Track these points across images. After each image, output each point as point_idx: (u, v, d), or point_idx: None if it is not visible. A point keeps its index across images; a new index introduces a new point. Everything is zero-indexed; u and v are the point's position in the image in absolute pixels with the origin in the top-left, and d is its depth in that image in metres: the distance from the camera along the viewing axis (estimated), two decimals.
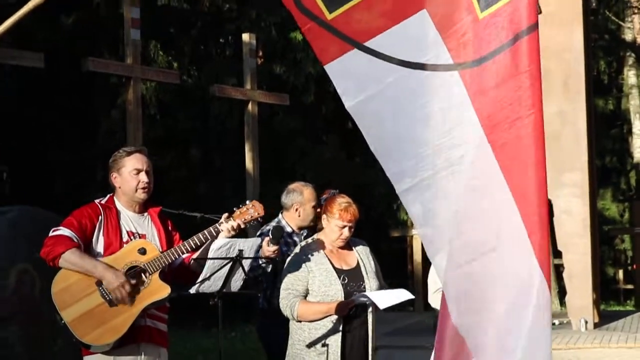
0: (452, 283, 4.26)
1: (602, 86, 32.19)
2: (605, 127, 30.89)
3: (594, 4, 26.35)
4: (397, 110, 4.11)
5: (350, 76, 4.10)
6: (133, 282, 5.31)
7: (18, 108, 21.14)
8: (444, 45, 3.98)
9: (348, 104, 4.12)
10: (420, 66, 4.01)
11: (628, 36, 31.00)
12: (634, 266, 26.01)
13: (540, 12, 16.64)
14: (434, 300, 6.79)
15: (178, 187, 19.47)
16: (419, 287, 14.56)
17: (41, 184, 19.90)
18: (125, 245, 5.49)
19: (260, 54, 19.97)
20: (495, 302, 4.14)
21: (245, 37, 17.83)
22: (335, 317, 6.20)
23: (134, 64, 14.82)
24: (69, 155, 20.21)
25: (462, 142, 4.05)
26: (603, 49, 31.30)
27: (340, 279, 6.28)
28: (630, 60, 31.48)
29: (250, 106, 17.21)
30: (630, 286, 27.41)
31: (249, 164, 17.05)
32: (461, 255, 4.17)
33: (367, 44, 4.00)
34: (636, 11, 29.79)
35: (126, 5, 15.28)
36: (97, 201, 5.64)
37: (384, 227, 21.19)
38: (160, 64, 23.37)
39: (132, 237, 5.56)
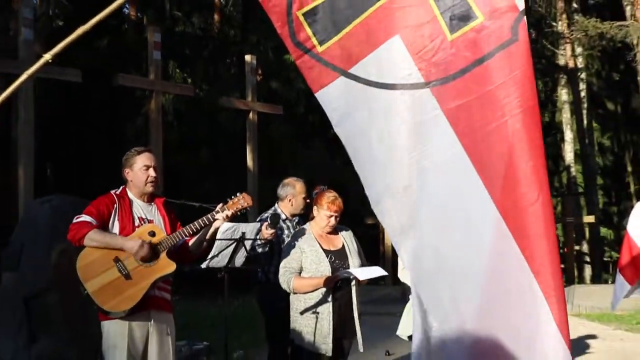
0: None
1: (539, 102, 32.28)
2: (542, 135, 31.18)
3: (533, 35, 26.41)
4: (375, 130, 3.99)
5: (337, 102, 3.98)
6: (148, 251, 5.36)
7: (60, 115, 21.14)
8: (415, 66, 3.85)
9: (337, 129, 4.05)
10: (392, 86, 3.88)
11: (561, 61, 31.06)
12: (565, 249, 26.23)
13: None
14: (403, 276, 6.98)
15: (190, 182, 19.55)
16: (389, 265, 14.58)
17: (78, 178, 19.92)
18: (137, 228, 5.53)
19: (260, 72, 20.03)
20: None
21: (247, 58, 17.94)
22: (325, 289, 6.29)
23: (156, 80, 14.94)
24: (101, 154, 20.24)
25: (436, 151, 3.92)
26: (540, 71, 31.36)
27: (328, 258, 6.37)
28: (563, 81, 31.67)
29: (251, 115, 17.34)
30: (562, 266, 27.60)
31: (249, 163, 17.19)
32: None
33: (351, 70, 3.89)
34: (567, 41, 29.90)
35: (149, 31, 15.48)
36: (112, 192, 5.66)
37: (360, 216, 21.25)
38: (177, 79, 23.47)
39: (142, 222, 5.58)
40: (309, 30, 3.90)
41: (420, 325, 4.20)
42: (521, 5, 3.78)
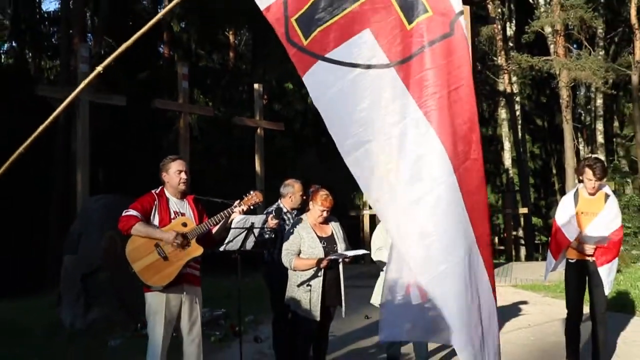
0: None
1: (484, 119, 32.58)
2: (487, 145, 31.18)
3: (479, 67, 26.47)
4: (351, 99, 3.97)
5: (317, 81, 3.98)
6: (181, 238, 5.42)
7: (109, 131, 21.20)
8: (382, 51, 3.90)
9: (316, 103, 4.05)
10: (366, 67, 3.92)
11: (501, 87, 31.13)
12: (505, 234, 26.34)
13: None
14: (376, 256, 6.97)
15: (212, 183, 19.53)
16: (367, 248, 14.68)
17: (123, 181, 19.90)
18: (172, 220, 5.57)
19: (265, 97, 20.02)
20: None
21: (256, 86, 17.91)
22: (317, 267, 6.30)
23: (184, 103, 14.96)
24: (141, 161, 20.26)
25: (402, 117, 3.92)
26: (484, 95, 31.50)
27: (321, 242, 6.39)
28: (502, 103, 31.77)
29: (258, 131, 17.32)
30: (502, 247, 27.67)
31: (257, 168, 17.19)
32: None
33: (327, 55, 3.91)
34: (505, 72, 29.96)
35: (179, 66, 15.57)
36: (153, 191, 5.68)
37: (344, 208, 21.34)
38: (200, 103, 23.55)
39: (177, 215, 5.62)
40: (299, 31, 3.93)
41: (389, 288, 4.17)
42: (457, 8, 3.88)
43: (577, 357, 6.95)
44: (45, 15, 29.55)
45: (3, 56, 29.80)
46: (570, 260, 6.85)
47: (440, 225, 3.91)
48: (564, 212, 6.80)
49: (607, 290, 6.82)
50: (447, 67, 3.88)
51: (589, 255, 6.69)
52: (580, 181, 6.84)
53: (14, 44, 28.76)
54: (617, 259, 6.86)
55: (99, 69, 3.67)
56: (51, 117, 3.52)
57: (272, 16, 3.98)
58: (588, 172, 6.63)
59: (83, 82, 3.66)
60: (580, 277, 6.81)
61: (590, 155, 24.36)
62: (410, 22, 3.91)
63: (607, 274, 6.66)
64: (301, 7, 3.93)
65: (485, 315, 4.10)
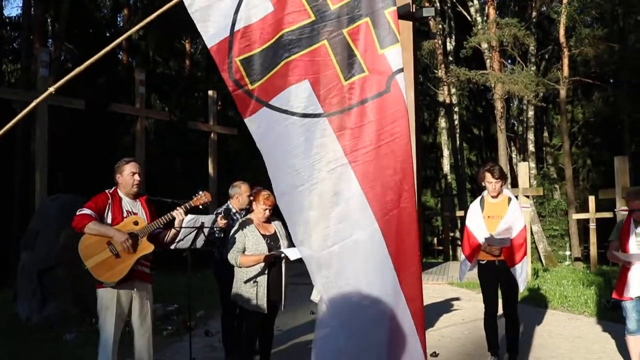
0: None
1: (425, 128, 32.94)
2: (427, 152, 31.52)
3: (421, 79, 26.77)
4: (286, 145, 3.98)
5: (259, 125, 3.98)
6: (131, 241, 5.40)
7: (68, 134, 20.91)
8: (318, 101, 3.92)
9: (258, 144, 4.04)
10: (302, 115, 3.93)
11: (440, 98, 31.59)
12: (443, 235, 26.61)
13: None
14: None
15: (166, 184, 19.38)
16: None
17: (81, 181, 19.64)
18: (125, 219, 5.57)
19: (219, 103, 19.96)
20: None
21: (210, 92, 17.81)
22: (262, 264, 6.33)
23: (141, 108, 14.83)
24: (98, 163, 20.05)
25: (330, 166, 3.95)
26: (426, 106, 31.90)
27: (265, 240, 6.41)
28: (442, 113, 32.24)
29: (212, 135, 17.25)
30: (440, 247, 27.96)
31: (210, 170, 17.10)
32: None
33: (271, 102, 3.91)
34: (445, 84, 30.36)
35: (137, 72, 15.44)
36: (107, 191, 5.67)
37: None
38: (157, 107, 23.36)
39: (129, 214, 5.62)
40: (243, 72, 3.91)
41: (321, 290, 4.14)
42: (395, 67, 3.90)
43: (496, 348, 7.08)
44: (7, 20, 28.98)
45: None
46: (481, 262, 6.98)
47: (359, 272, 3.98)
48: (473, 218, 6.99)
49: (522, 287, 7.02)
50: (380, 123, 3.91)
51: (497, 257, 6.84)
52: (484, 188, 7.01)
53: None
54: (526, 257, 7.06)
55: (51, 90, 3.61)
56: (7, 126, 3.47)
57: (216, 53, 3.95)
58: (488, 176, 6.87)
59: (39, 97, 3.60)
60: (492, 277, 6.95)
61: (491, 162, 24.87)
62: (346, 79, 3.94)
63: (520, 273, 6.84)
64: (247, 51, 3.92)
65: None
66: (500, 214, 6.87)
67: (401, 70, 3.96)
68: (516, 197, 8.28)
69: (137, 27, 4.23)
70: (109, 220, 5.56)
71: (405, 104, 3.95)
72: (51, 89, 3.69)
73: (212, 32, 3.95)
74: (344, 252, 4.00)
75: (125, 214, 5.62)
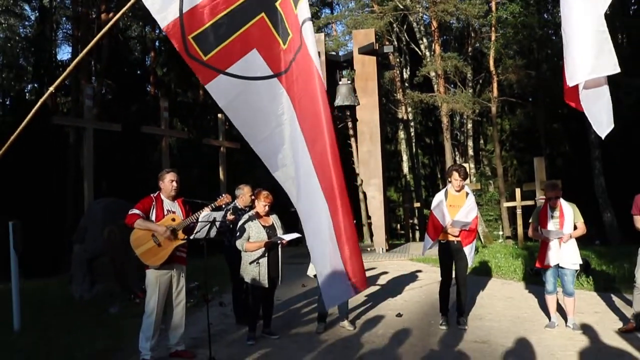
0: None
1: (388, 139, 32.84)
2: (390, 158, 31.51)
3: (384, 101, 26.76)
4: (249, 105, 3.91)
5: (220, 91, 3.87)
6: (170, 232, 5.55)
7: (109, 151, 20.77)
8: (267, 66, 3.87)
9: (225, 111, 3.99)
10: (255, 78, 3.88)
11: (400, 115, 31.55)
12: (404, 222, 26.56)
13: (359, 104, 17.07)
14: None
15: (186, 190, 19.28)
16: (304, 235, 14.65)
17: (121, 188, 19.49)
18: (165, 216, 5.67)
19: (227, 123, 19.84)
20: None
21: (220, 116, 17.60)
22: (263, 249, 6.35)
23: (165, 129, 14.72)
24: (134, 173, 19.96)
25: (283, 112, 3.93)
26: (388, 121, 31.80)
27: (265, 230, 6.43)
28: (401, 127, 32.19)
29: (222, 149, 17.15)
30: (402, 232, 27.90)
31: (221, 177, 17.01)
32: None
33: (227, 70, 3.83)
34: (403, 104, 30.40)
35: (162, 100, 15.27)
36: (152, 195, 5.80)
37: (286, 206, 21.30)
38: (178, 128, 23.20)
39: (169, 213, 5.72)
40: (196, 47, 3.80)
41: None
42: (302, 18, 3.83)
43: (447, 310, 7.10)
44: (60, 62, 28.85)
45: (27, 94, 28.99)
46: (441, 242, 6.98)
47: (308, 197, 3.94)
48: (438, 205, 6.96)
49: (470, 263, 7.04)
50: (304, 74, 3.86)
51: (454, 237, 6.84)
52: (449, 182, 7.01)
53: (35, 85, 28.03)
54: (475, 240, 7.06)
55: (51, 89, 3.60)
56: (29, 116, 3.39)
57: (170, 33, 3.84)
58: (455, 174, 6.87)
59: (40, 100, 3.56)
60: (449, 254, 6.94)
61: (455, 163, 24.90)
62: (284, 43, 3.92)
63: (470, 252, 6.88)
64: (198, 28, 3.81)
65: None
66: (460, 204, 6.87)
67: (308, 18, 3.88)
68: None
69: (121, 12, 4.10)
70: (153, 217, 5.66)
71: (308, 49, 3.86)
72: (51, 89, 3.66)
73: (164, 15, 3.82)
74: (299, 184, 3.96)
75: (166, 213, 5.72)
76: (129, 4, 3.92)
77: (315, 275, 7.00)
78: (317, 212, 3.84)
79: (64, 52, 50.07)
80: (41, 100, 3.51)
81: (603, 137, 4.11)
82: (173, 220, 5.66)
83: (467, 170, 7.43)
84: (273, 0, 3.91)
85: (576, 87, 4.14)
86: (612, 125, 4.06)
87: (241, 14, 3.87)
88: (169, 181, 5.81)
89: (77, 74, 22.89)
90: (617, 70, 3.89)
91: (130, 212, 5.58)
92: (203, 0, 3.82)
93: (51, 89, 3.58)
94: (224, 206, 5.79)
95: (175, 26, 3.82)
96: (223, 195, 5.88)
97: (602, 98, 4.10)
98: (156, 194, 5.83)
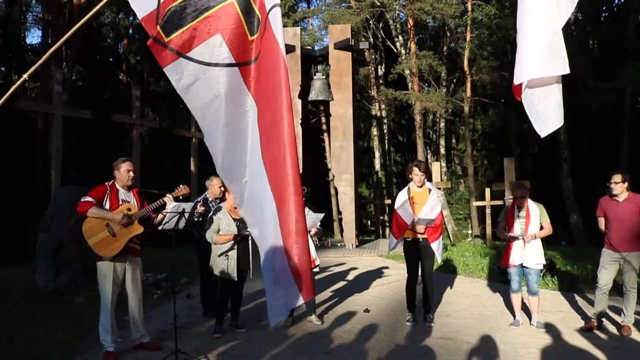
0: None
1: (361, 135, 32.89)
2: (362, 154, 31.56)
3: (359, 97, 26.87)
4: (205, 91, 3.75)
5: (178, 74, 3.71)
6: (126, 219, 5.41)
7: (78, 138, 20.42)
8: (230, 53, 3.72)
9: (182, 95, 3.80)
10: (216, 65, 3.72)
11: (373, 112, 31.68)
12: (375, 219, 26.63)
13: (333, 99, 17.09)
14: None
15: (157, 180, 19.07)
16: None
17: (90, 177, 19.22)
18: (120, 206, 5.53)
19: None
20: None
21: None
22: (232, 241, 6.32)
23: (137, 118, 14.60)
24: (102, 162, 19.58)
25: (239, 104, 3.78)
26: (362, 117, 31.92)
27: (235, 223, 6.39)
28: (374, 123, 32.27)
29: (193, 140, 17.07)
30: (372, 228, 28.00)
31: (192, 168, 16.95)
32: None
33: (188, 54, 3.68)
34: (376, 101, 30.50)
35: (134, 89, 15.14)
36: (106, 183, 5.63)
37: None
38: (150, 118, 22.88)
39: (123, 202, 5.57)
40: (160, 29, 3.64)
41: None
42: (269, 6, 3.75)
43: (413, 306, 7.15)
44: (29, 47, 28.27)
45: None
46: (407, 239, 6.98)
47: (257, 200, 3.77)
48: (401, 203, 6.98)
49: (439, 259, 7.08)
50: (269, 55, 3.75)
51: (420, 234, 6.86)
52: (410, 179, 7.04)
53: (2, 68, 27.43)
54: (442, 236, 7.10)
55: (25, 76, 3.52)
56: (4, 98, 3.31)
57: (146, 23, 3.73)
58: (415, 169, 6.93)
59: (11, 89, 3.46)
60: (415, 251, 6.97)
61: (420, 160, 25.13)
62: (251, 34, 3.78)
63: (437, 248, 6.89)
64: (165, 13, 3.66)
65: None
66: (423, 200, 6.89)
67: (277, 5, 3.78)
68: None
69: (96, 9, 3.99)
70: (107, 207, 5.50)
71: (275, 38, 3.76)
72: (25, 76, 3.56)
73: (142, 4, 3.74)
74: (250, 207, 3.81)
75: (120, 202, 5.56)
76: None
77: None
78: (265, 217, 3.70)
79: (33, 36, 49.06)
80: (13, 87, 3.42)
81: (543, 136, 4.19)
82: (129, 210, 5.51)
83: (428, 166, 7.48)
84: None
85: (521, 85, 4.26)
86: (560, 124, 4.13)
87: None
88: (125, 170, 5.64)
89: (47, 58, 22.44)
90: (567, 71, 3.95)
91: (82, 200, 5.43)
92: None
93: (25, 76, 3.48)
94: (181, 197, 5.69)
95: (152, 16, 3.73)
96: (181, 185, 5.70)
97: (551, 97, 4.17)
98: (111, 182, 5.66)
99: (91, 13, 3.89)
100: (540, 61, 4.01)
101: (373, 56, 31.29)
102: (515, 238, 6.66)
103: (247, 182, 3.82)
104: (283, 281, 3.60)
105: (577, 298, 8.48)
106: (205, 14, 3.73)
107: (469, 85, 26.85)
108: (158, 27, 3.66)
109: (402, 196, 7.04)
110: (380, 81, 31.48)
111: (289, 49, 16.01)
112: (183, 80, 3.75)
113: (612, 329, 6.62)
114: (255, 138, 3.78)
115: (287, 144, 3.59)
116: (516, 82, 4.19)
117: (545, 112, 4.18)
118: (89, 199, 5.43)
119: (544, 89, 4.18)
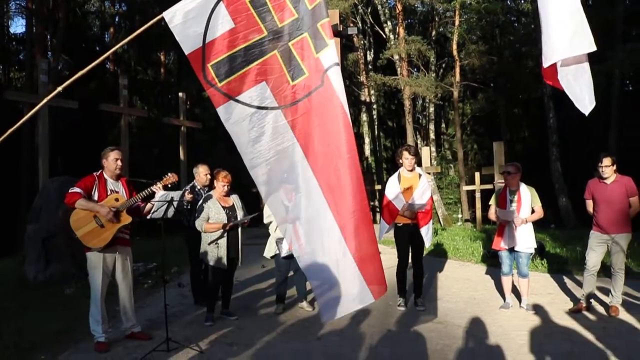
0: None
1: (351, 121, 32.85)
2: None
3: (347, 83, 26.79)
4: (249, 130, 3.96)
5: (228, 114, 3.92)
6: (113, 214, 5.35)
7: (65, 128, 20.28)
8: (273, 97, 3.97)
9: (229, 130, 3.97)
10: (263, 108, 3.97)
11: (362, 98, 31.56)
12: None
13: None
14: (266, 220, 6.92)
15: (146, 169, 19.01)
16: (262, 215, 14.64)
17: (78, 167, 19.14)
18: (108, 196, 5.48)
19: (188, 103, 19.56)
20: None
21: (181, 94, 17.42)
22: (222, 230, 6.30)
23: (124, 107, 14.43)
24: (91, 151, 19.45)
25: (283, 143, 3.98)
26: (351, 103, 31.62)
27: (225, 211, 6.38)
28: (363, 109, 32.15)
29: (182, 128, 16.90)
30: None
31: (182, 156, 16.80)
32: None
33: (237, 97, 3.95)
34: (366, 86, 30.47)
35: (121, 78, 14.97)
36: (94, 173, 5.57)
37: (248, 187, 21.29)
38: (138, 107, 22.74)
39: (112, 192, 5.52)
40: (214, 74, 3.89)
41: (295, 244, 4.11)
42: (327, 64, 3.94)
43: (404, 292, 7.23)
44: (13, 36, 27.90)
45: None
46: (398, 225, 7.01)
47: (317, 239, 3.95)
48: (392, 189, 7.01)
49: (427, 244, 7.13)
50: (321, 109, 3.94)
51: (411, 220, 6.89)
52: (400, 163, 7.05)
53: None
54: (432, 220, 7.14)
55: (59, 89, 3.72)
56: (18, 124, 3.45)
57: (192, 60, 3.96)
58: (405, 153, 6.96)
59: (46, 98, 3.60)
60: (405, 236, 7.00)
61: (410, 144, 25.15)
62: (293, 80, 4.00)
63: (426, 233, 6.93)
64: (216, 58, 3.93)
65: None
66: (414, 185, 6.91)
67: (335, 64, 3.98)
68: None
69: (124, 41, 4.22)
70: (96, 197, 5.45)
71: (333, 88, 3.93)
72: (59, 89, 3.78)
73: (188, 43, 3.93)
74: (306, 225, 3.97)
75: (109, 192, 5.51)
76: (152, 22, 3.96)
77: (272, 257, 7.02)
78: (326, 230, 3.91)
79: (17, 25, 48.42)
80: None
81: (586, 114, 4.14)
82: (117, 200, 5.45)
83: (417, 150, 7.52)
84: (287, 40, 4.07)
85: (554, 66, 4.20)
86: (594, 103, 4.12)
87: (257, 49, 4.02)
88: (113, 159, 5.57)
89: (32, 48, 22.18)
90: (594, 48, 3.94)
91: (70, 191, 5.37)
92: (224, 33, 3.98)
93: (59, 89, 3.69)
94: (169, 186, 5.65)
95: (197, 53, 3.96)
96: (169, 174, 5.62)
97: (583, 76, 4.16)
98: (99, 172, 5.60)
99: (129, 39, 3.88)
100: (568, 41, 4.00)
101: (362, 41, 31.16)
102: (506, 220, 6.68)
103: (301, 197, 4.01)
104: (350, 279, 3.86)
105: (566, 280, 8.56)
106: (254, 64, 3.98)
107: (458, 69, 26.82)
108: (212, 73, 3.92)
109: (392, 182, 7.06)
110: (370, 66, 31.39)
111: None
112: (231, 119, 3.99)
113: (601, 309, 6.69)
114: (305, 165, 3.99)
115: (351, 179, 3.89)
116: (545, 64, 4.14)
117: (581, 91, 4.16)
118: (76, 189, 5.36)
119: (577, 67, 4.17)
